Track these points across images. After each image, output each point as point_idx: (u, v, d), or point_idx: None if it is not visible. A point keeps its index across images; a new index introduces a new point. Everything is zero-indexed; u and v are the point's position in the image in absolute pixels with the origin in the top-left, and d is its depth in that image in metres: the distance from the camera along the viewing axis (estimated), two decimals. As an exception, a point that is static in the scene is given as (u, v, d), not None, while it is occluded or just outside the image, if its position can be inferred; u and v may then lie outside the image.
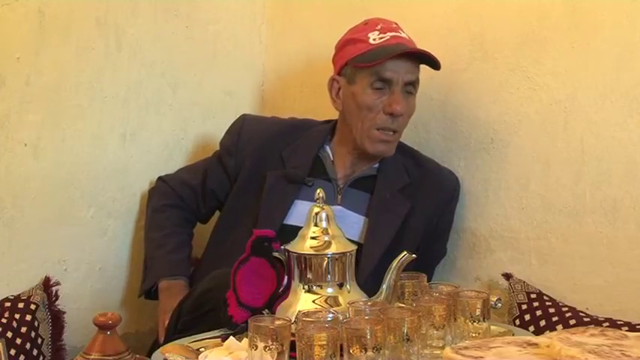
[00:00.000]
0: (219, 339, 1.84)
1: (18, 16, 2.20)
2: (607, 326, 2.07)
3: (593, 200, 2.26)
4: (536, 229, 2.34)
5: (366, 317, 1.68)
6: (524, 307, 2.26)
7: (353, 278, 1.83)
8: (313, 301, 1.79)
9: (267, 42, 2.85)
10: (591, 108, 2.26)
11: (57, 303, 2.29)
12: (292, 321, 1.71)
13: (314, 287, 1.80)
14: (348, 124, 2.35)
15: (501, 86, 2.40)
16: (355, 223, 2.31)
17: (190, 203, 2.48)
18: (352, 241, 1.89)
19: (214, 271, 2.09)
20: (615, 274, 2.23)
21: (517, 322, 2.25)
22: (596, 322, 2.13)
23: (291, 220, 2.28)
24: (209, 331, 1.90)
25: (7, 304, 2.19)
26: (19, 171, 2.23)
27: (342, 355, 1.61)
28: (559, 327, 2.16)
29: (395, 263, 1.82)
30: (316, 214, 1.83)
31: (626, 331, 1.90)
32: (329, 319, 1.70)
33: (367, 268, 2.19)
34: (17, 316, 2.18)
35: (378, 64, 2.26)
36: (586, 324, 2.10)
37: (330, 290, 1.80)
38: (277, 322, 1.66)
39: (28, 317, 2.19)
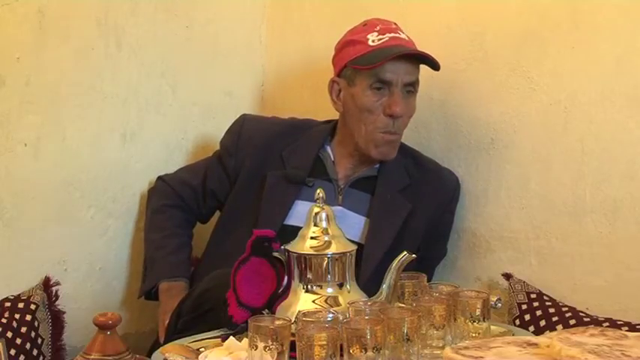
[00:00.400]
0: (219, 339, 1.84)
1: (18, 16, 2.20)
2: (607, 326, 2.07)
3: (593, 200, 2.26)
4: (536, 229, 2.34)
5: (366, 317, 1.68)
6: (524, 307, 2.26)
7: (353, 278, 1.83)
8: (313, 301, 1.79)
9: (267, 42, 2.85)
10: (591, 108, 2.26)
11: (57, 303, 2.30)
12: (292, 321, 1.71)
13: (314, 287, 1.80)
14: (350, 126, 2.34)
15: (501, 86, 2.40)
16: (356, 223, 2.31)
17: (190, 203, 2.47)
18: (353, 242, 1.89)
19: (214, 271, 2.09)
20: (615, 274, 2.23)
21: (517, 322, 2.25)
22: (596, 322, 2.13)
23: (292, 220, 2.28)
24: (209, 331, 1.90)
25: (7, 304, 2.19)
26: (19, 171, 2.23)
27: (342, 355, 1.61)
28: (559, 327, 2.16)
29: (395, 263, 1.82)
30: (316, 214, 1.83)
31: (626, 331, 1.90)
32: (329, 319, 1.70)
33: (368, 269, 2.19)
34: (17, 316, 2.18)
35: (377, 66, 2.25)
36: (586, 324, 2.10)
37: (330, 290, 1.80)
38: (277, 322, 1.66)
39: (28, 317, 2.19)
